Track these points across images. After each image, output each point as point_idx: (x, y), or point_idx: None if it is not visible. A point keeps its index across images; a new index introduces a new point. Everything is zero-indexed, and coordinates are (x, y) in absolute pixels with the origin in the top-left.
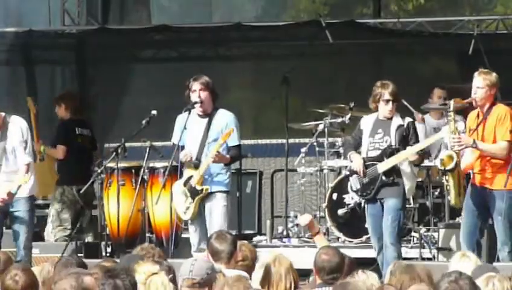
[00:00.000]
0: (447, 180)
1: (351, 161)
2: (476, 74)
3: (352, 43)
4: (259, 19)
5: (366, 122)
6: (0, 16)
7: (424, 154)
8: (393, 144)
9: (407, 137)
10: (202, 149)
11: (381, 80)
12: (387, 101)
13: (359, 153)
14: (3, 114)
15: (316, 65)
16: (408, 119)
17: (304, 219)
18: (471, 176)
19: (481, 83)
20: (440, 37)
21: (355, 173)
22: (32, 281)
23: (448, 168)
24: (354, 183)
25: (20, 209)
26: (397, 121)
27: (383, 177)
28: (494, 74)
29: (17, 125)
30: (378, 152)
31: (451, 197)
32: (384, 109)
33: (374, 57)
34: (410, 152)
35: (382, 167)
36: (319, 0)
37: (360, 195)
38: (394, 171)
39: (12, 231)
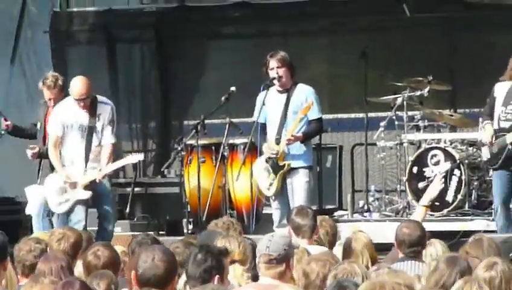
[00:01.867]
0: None
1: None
2: None
3: (430, 16)
4: None
5: (500, 89)
6: None
7: None
8: None
9: None
10: (282, 124)
11: None
12: None
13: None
14: (94, 95)
15: (394, 39)
16: None
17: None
18: None
19: None
20: None
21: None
22: (114, 257)
23: None
24: (484, 153)
25: (105, 188)
26: None
27: (510, 147)
28: None
29: (108, 106)
30: (510, 123)
31: None
32: None
33: (452, 30)
34: None
35: (510, 136)
36: None
37: (489, 165)
38: None
39: (99, 210)
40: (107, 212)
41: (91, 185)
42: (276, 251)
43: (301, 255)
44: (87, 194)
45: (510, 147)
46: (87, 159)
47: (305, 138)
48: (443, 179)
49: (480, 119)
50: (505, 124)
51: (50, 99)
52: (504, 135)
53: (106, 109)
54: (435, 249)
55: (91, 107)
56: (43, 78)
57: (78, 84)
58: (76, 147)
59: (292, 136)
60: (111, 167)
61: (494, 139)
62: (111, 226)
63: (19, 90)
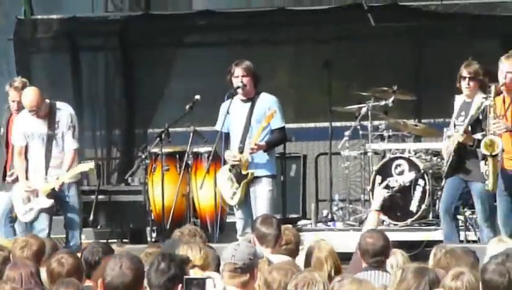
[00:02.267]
0: (486, 164)
1: None
2: (503, 58)
3: (395, 26)
4: (302, 2)
5: (456, 103)
6: (43, 3)
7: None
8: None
9: (479, 119)
10: (246, 133)
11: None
12: (464, 78)
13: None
14: (48, 101)
15: (359, 48)
16: (486, 103)
17: (381, 192)
18: (501, 161)
19: (510, 67)
20: (483, 19)
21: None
22: (77, 265)
23: (493, 153)
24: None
25: (71, 194)
26: (477, 102)
27: (452, 154)
28: None
29: (66, 112)
30: None
31: (489, 183)
32: (463, 86)
33: (416, 40)
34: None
35: (452, 145)
36: None
37: (443, 174)
38: (468, 152)
39: (65, 218)
40: (70, 221)
41: (53, 193)
42: (241, 259)
43: (263, 264)
44: (49, 202)
45: (453, 154)
46: (47, 167)
47: (268, 147)
48: (384, 184)
49: (445, 130)
50: None
51: (15, 101)
52: None
53: (64, 115)
54: (396, 259)
55: (49, 114)
56: (10, 81)
57: (27, 97)
58: (38, 156)
59: (255, 144)
60: (67, 175)
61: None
62: (76, 233)
63: None
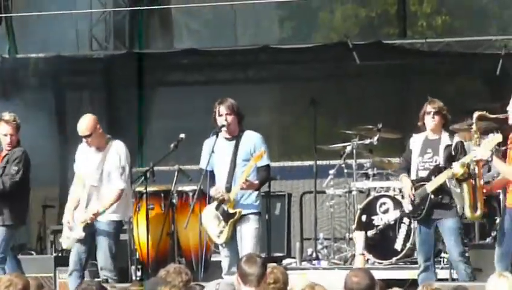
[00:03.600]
0: (461, 191)
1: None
2: None
3: (380, 64)
4: (287, 40)
5: (415, 142)
6: (28, 41)
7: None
8: (441, 163)
9: (454, 156)
10: (232, 172)
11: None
12: (429, 112)
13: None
14: (108, 136)
15: (344, 86)
16: (457, 139)
17: (360, 235)
18: (504, 198)
19: None
20: (467, 57)
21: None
22: None
23: (461, 178)
24: (405, 205)
25: (102, 229)
26: (445, 140)
27: (432, 197)
28: None
29: (116, 150)
30: (427, 172)
31: (466, 209)
32: (429, 121)
33: (401, 78)
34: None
35: (430, 186)
36: (349, 20)
37: (412, 216)
38: (444, 190)
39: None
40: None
41: (88, 226)
42: None
43: None
44: (79, 234)
45: (432, 196)
46: (89, 199)
47: (259, 185)
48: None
49: (398, 173)
50: (422, 173)
51: (7, 135)
52: (424, 184)
53: (114, 152)
54: None
55: (103, 148)
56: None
57: (80, 123)
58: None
59: (247, 181)
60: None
61: (413, 190)
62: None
63: None
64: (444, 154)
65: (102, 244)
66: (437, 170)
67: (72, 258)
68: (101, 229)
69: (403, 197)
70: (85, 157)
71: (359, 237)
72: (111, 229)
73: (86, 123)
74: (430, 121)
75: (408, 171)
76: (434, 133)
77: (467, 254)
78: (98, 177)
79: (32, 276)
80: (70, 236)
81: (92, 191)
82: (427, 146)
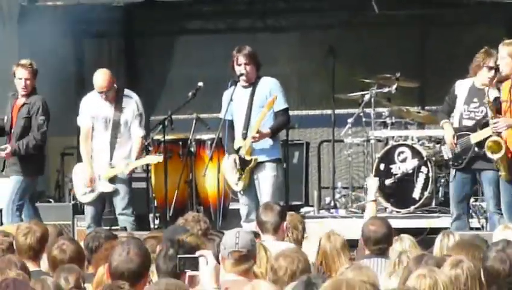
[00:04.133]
0: (495, 162)
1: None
2: (502, 44)
3: (399, 14)
4: None
5: (462, 87)
6: None
7: None
8: (488, 115)
9: (500, 110)
10: (249, 118)
11: (484, 48)
12: (490, 68)
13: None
14: (116, 87)
15: (362, 35)
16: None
17: (374, 182)
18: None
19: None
20: (487, 5)
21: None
22: (79, 252)
23: (496, 156)
24: (445, 152)
25: (119, 177)
26: (494, 92)
27: (476, 148)
28: None
29: (133, 99)
30: (473, 122)
31: (502, 174)
32: (484, 76)
33: (420, 27)
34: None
35: (475, 137)
36: None
37: (451, 164)
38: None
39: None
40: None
41: (114, 179)
42: (245, 246)
43: (260, 250)
44: (110, 187)
45: (476, 148)
46: (112, 152)
47: (273, 133)
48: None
49: (439, 117)
50: (467, 122)
51: (22, 78)
52: (467, 134)
53: (131, 102)
54: (403, 244)
55: (116, 99)
56: (16, 62)
57: (98, 78)
58: (101, 139)
59: (258, 132)
60: (136, 163)
61: (455, 138)
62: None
63: None
64: (494, 106)
65: (121, 191)
66: (484, 122)
67: (91, 213)
68: (120, 177)
69: (443, 144)
70: (95, 109)
71: (372, 183)
72: (127, 176)
73: (103, 78)
74: (488, 76)
75: (449, 115)
76: (483, 84)
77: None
78: (117, 128)
79: (50, 224)
80: (95, 190)
81: (114, 143)
82: (474, 95)
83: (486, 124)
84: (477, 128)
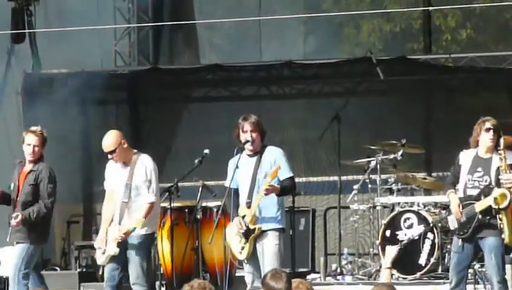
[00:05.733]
0: (500, 219)
1: (449, 200)
2: None
3: (404, 80)
4: (311, 55)
5: (465, 158)
6: (54, 57)
7: None
8: (492, 184)
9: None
10: (253, 188)
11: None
12: (488, 129)
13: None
14: (134, 151)
15: (368, 102)
16: (509, 161)
17: (393, 250)
18: None
19: None
20: (492, 72)
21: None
22: None
23: (501, 206)
24: (451, 222)
25: (132, 243)
26: (497, 161)
27: (479, 217)
28: None
29: (142, 164)
30: (477, 191)
31: (506, 236)
32: (486, 138)
33: (426, 93)
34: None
35: (479, 206)
36: (374, 35)
37: (457, 234)
38: (491, 211)
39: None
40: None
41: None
42: None
43: None
44: (113, 251)
45: (480, 216)
46: (121, 216)
47: (281, 192)
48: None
49: (446, 188)
50: (472, 192)
51: (30, 145)
52: (472, 203)
53: (141, 167)
54: None
55: (130, 163)
56: (26, 130)
57: (104, 138)
58: (118, 203)
59: (270, 186)
60: (130, 225)
61: (461, 208)
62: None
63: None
64: (496, 175)
65: (133, 259)
66: (488, 191)
67: (106, 275)
68: (131, 243)
69: (449, 214)
70: (114, 173)
71: (390, 251)
72: (141, 243)
73: (110, 139)
74: (488, 138)
75: (454, 186)
76: (487, 151)
77: (506, 277)
78: (128, 192)
79: None
80: (105, 252)
81: (124, 207)
82: (478, 164)
83: (490, 192)
84: (481, 197)
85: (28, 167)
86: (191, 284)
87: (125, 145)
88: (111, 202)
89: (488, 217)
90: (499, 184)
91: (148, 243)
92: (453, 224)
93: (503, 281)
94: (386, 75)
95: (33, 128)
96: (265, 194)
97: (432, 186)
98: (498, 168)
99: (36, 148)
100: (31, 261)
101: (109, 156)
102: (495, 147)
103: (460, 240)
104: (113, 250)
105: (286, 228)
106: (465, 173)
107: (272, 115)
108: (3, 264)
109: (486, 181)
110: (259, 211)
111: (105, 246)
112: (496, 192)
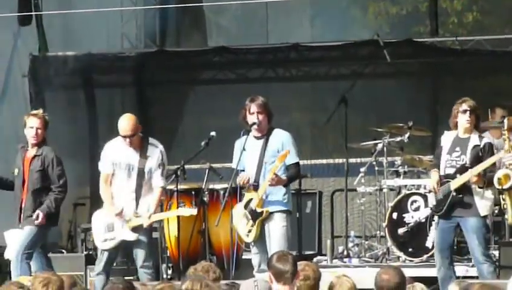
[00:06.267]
0: (503, 199)
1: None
2: None
3: (410, 62)
4: (318, 37)
5: (446, 139)
6: (60, 39)
7: (485, 175)
8: (467, 163)
9: (482, 157)
10: (260, 171)
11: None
12: (465, 111)
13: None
14: (141, 135)
15: (374, 84)
16: (486, 140)
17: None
18: None
19: None
20: (498, 55)
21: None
22: None
23: (505, 187)
24: (430, 199)
25: (138, 227)
26: (474, 140)
27: (454, 194)
28: None
29: (157, 149)
30: (454, 169)
31: (508, 216)
32: (463, 120)
33: (432, 76)
34: (471, 174)
35: (454, 184)
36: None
37: (433, 211)
38: (466, 189)
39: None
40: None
41: (138, 228)
42: None
43: None
44: (133, 236)
45: (454, 193)
46: (137, 201)
47: (289, 182)
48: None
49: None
50: (449, 170)
51: (33, 127)
52: (448, 181)
53: (155, 152)
54: None
55: (141, 147)
56: (27, 113)
57: (123, 122)
58: (123, 186)
59: (275, 175)
60: (161, 216)
61: (439, 186)
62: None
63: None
64: (471, 154)
65: (142, 243)
66: (463, 169)
67: (104, 261)
68: (137, 227)
69: (429, 192)
70: (122, 157)
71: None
72: (148, 228)
73: (129, 123)
74: (465, 119)
75: (439, 167)
76: (465, 132)
77: (490, 253)
78: (140, 176)
79: (65, 274)
80: (116, 237)
81: (139, 191)
82: (456, 144)
83: (465, 170)
84: (456, 175)
85: (32, 151)
86: (195, 267)
87: (139, 130)
88: (108, 183)
89: (461, 195)
90: (474, 163)
91: (152, 227)
92: (431, 201)
93: (487, 256)
94: (393, 57)
95: (34, 111)
96: (270, 185)
97: None
98: (474, 146)
99: (39, 131)
100: (36, 243)
101: (126, 140)
102: (475, 127)
103: (437, 217)
104: (133, 236)
105: (293, 211)
106: (445, 153)
107: (279, 97)
108: (10, 247)
109: (463, 160)
110: (265, 194)
111: (111, 231)
112: (500, 172)
